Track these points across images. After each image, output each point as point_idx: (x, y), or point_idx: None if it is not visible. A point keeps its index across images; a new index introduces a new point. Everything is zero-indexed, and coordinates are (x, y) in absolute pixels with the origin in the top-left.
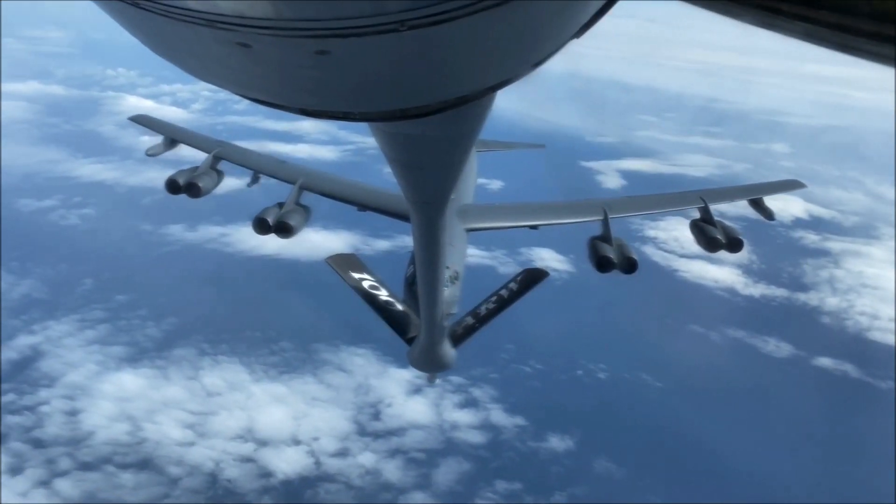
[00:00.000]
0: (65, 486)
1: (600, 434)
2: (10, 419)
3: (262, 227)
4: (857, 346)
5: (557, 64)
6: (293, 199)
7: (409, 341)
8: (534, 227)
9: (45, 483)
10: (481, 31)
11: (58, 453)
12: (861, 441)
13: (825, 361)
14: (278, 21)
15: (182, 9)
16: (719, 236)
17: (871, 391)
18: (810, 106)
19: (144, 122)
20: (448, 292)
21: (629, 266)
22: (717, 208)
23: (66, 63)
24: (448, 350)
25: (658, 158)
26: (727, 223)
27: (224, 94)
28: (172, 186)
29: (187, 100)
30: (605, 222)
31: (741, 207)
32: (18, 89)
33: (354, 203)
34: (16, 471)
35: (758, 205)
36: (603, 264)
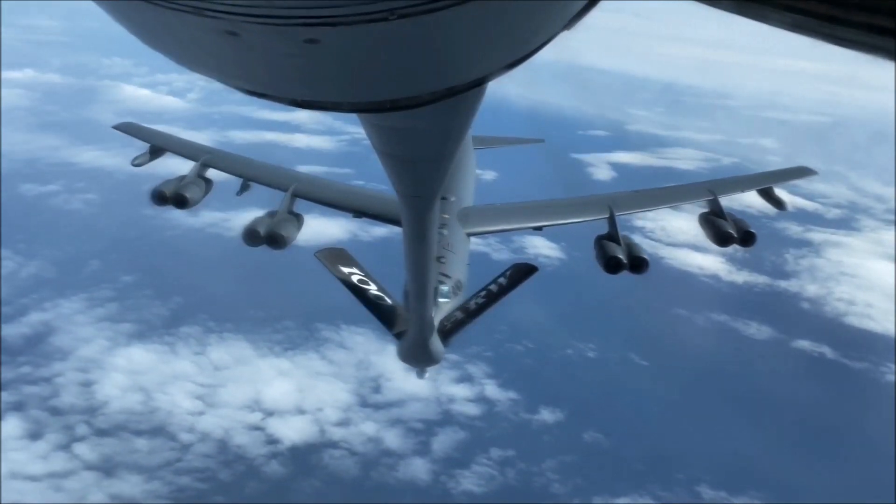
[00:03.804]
0: (83, 449)
1: (589, 408)
2: (27, 389)
3: (253, 238)
4: (834, 330)
5: (547, 53)
6: (285, 207)
7: (398, 336)
8: (538, 229)
9: (64, 447)
10: (471, 20)
11: (75, 420)
12: (838, 417)
13: (804, 344)
14: (267, 9)
15: None
16: (731, 230)
17: (847, 371)
18: (798, 102)
19: (129, 129)
20: (451, 305)
21: (639, 266)
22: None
23: (61, 52)
24: (437, 345)
25: (648, 151)
26: (738, 216)
27: (220, 83)
28: (159, 198)
29: (183, 89)
30: (612, 220)
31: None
32: (15, 77)
33: (349, 209)
34: (36, 436)
35: (768, 195)
36: (612, 265)
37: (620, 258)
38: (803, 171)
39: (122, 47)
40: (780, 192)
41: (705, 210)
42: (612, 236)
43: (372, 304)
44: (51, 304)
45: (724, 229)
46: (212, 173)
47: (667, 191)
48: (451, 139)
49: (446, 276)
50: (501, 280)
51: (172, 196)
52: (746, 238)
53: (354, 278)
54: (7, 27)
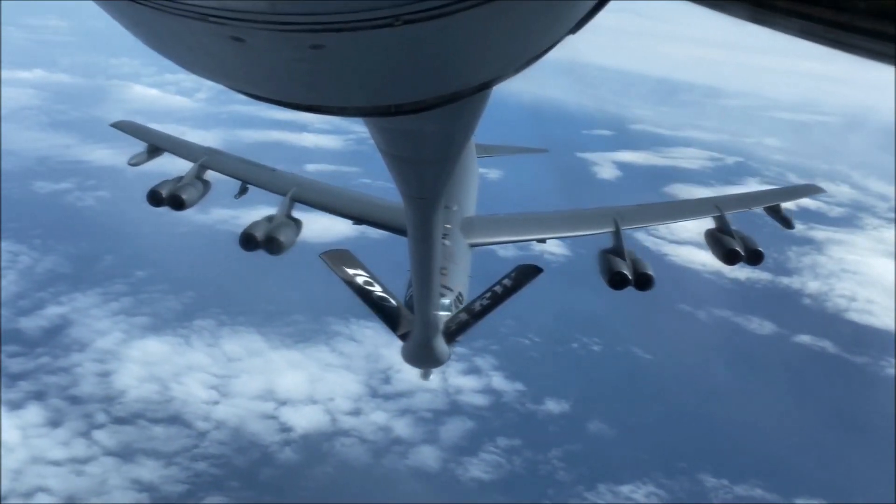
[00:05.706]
0: (102, 436)
1: (594, 399)
2: (47, 378)
3: (250, 243)
4: (835, 325)
5: (553, 51)
6: (284, 211)
7: (402, 337)
8: (542, 241)
9: (84, 434)
10: (476, 26)
11: (93, 409)
12: (838, 410)
13: (805, 338)
14: (272, 15)
15: (175, 3)
16: (738, 248)
17: (848, 366)
18: (801, 100)
19: (127, 128)
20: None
21: (644, 283)
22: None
23: (69, 52)
24: (442, 346)
25: (652, 150)
26: (746, 233)
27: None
28: (155, 198)
29: (191, 89)
30: (617, 234)
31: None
32: (24, 77)
33: (349, 216)
34: (56, 423)
35: (776, 212)
36: (616, 281)
37: (625, 274)
38: (811, 189)
39: (130, 47)
40: (787, 208)
41: (712, 227)
42: (618, 251)
43: (376, 305)
44: (67, 297)
45: (731, 247)
46: (212, 174)
47: (673, 206)
48: (455, 142)
49: (448, 288)
50: (506, 281)
51: (168, 197)
52: (754, 257)
53: (359, 280)
54: (16, 27)
